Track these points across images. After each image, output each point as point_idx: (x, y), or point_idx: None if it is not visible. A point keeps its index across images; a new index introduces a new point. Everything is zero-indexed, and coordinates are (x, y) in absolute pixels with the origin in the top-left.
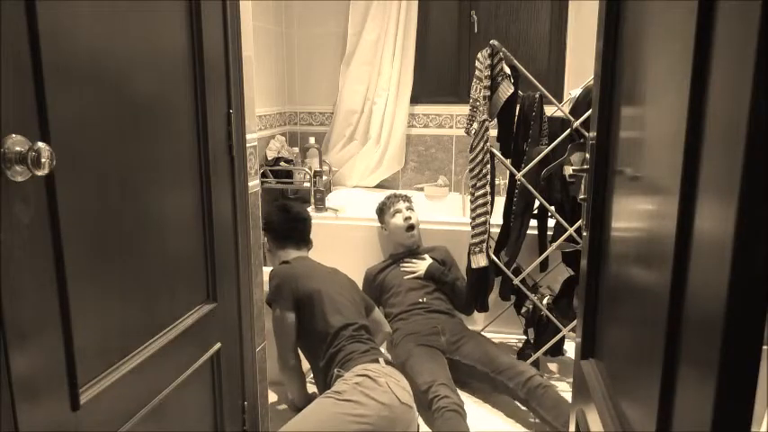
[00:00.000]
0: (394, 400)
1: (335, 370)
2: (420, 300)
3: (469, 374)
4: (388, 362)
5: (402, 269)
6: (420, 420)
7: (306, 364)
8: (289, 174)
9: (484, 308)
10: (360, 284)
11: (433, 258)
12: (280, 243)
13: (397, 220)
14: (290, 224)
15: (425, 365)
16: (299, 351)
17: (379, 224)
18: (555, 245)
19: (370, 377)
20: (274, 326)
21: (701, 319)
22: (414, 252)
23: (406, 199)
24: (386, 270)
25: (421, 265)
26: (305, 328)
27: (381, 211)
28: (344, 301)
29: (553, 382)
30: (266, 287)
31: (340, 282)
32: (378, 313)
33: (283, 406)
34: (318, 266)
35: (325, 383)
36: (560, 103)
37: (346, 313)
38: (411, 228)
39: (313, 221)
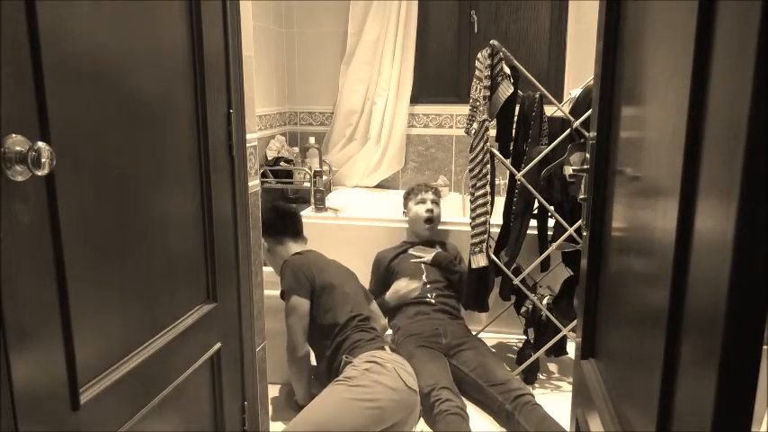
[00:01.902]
0: (401, 384)
1: (343, 357)
2: (428, 295)
3: (463, 381)
4: (392, 349)
5: (410, 253)
6: (422, 422)
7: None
8: (289, 174)
9: (484, 308)
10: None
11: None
12: (277, 240)
13: (420, 208)
14: (282, 220)
15: (427, 368)
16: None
17: (378, 224)
18: (555, 245)
19: (378, 363)
20: (288, 314)
21: (700, 319)
22: (427, 243)
23: (436, 192)
24: (398, 257)
25: (429, 252)
26: (315, 317)
27: (408, 195)
28: (353, 294)
29: (553, 382)
30: (266, 288)
31: (345, 274)
32: (375, 305)
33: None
34: (326, 258)
35: (330, 371)
36: (560, 103)
37: (354, 306)
38: (430, 221)
39: (313, 221)
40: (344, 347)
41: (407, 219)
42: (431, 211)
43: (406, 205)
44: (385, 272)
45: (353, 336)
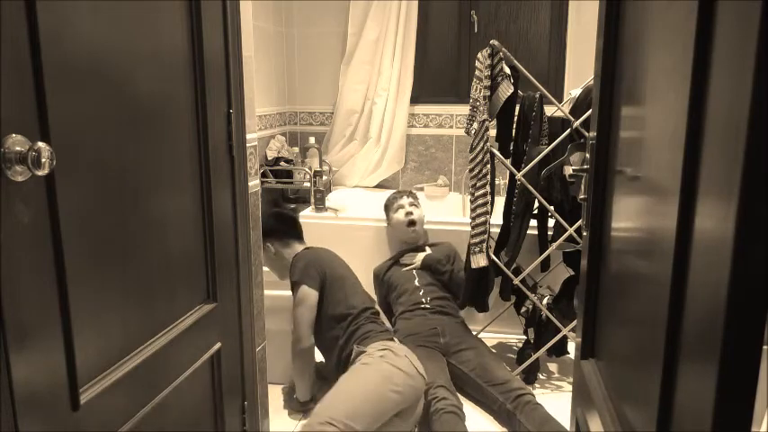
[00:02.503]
0: (414, 370)
1: (355, 346)
2: (423, 300)
3: (462, 380)
4: (400, 341)
5: (401, 262)
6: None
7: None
8: (289, 174)
9: (484, 308)
10: (364, 283)
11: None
12: (285, 243)
13: (399, 215)
14: (288, 225)
15: (424, 366)
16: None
17: (378, 224)
18: (555, 245)
19: (391, 351)
20: (296, 305)
21: (701, 319)
22: (417, 248)
23: (411, 195)
24: (391, 269)
25: (418, 257)
26: (327, 309)
27: (386, 208)
28: (361, 289)
29: (553, 382)
30: (266, 288)
31: (352, 272)
32: (377, 308)
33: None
34: (335, 254)
35: (340, 360)
36: (560, 103)
37: (365, 299)
38: (412, 223)
39: (313, 221)
40: (356, 337)
41: (390, 229)
42: (410, 213)
43: (387, 217)
44: (381, 286)
45: (365, 326)
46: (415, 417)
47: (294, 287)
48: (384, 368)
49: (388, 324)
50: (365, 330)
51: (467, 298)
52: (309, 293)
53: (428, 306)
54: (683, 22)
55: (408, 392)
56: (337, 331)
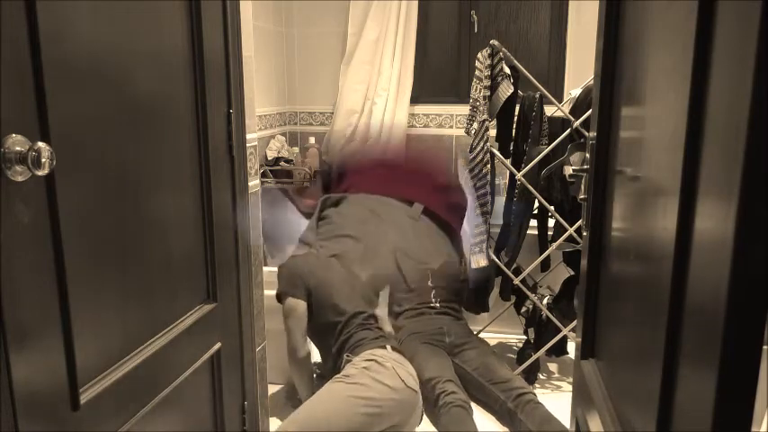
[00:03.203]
0: (400, 383)
1: (345, 355)
2: (432, 300)
3: (465, 380)
4: (394, 348)
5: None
6: (426, 422)
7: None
8: (289, 174)
9: (484, 308)
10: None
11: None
12: (279, 247)
13: None
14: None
15: (431, 361)
16: (310, 342)
17: None
18: (555, 245)
19: (377, 362)
20: (286, 316)
21: (701, 319)
22: None
23: None
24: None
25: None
26: (316, 317)
27: None
28: (354, 292)
29: (554, 382)
30: (266, 288)
31: (346, 274)
32: (380, 311)
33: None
34: (325, 259)
35: (334, 369)
36: (560, 103)
37: (356, 302)
38: None
39: None
40: (348, 345)
41: None
42: None
43: None
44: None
45: (358, 334)
46: (411, 425)
47: (280, 298)
48: (362, 381)
49: (386, 327)
50: (357, 339)
51: (471, 298)
52: (296, 304)
53: (438, 306)
54: (683, 22)
55: (391, 406)
56: (330, 339)
